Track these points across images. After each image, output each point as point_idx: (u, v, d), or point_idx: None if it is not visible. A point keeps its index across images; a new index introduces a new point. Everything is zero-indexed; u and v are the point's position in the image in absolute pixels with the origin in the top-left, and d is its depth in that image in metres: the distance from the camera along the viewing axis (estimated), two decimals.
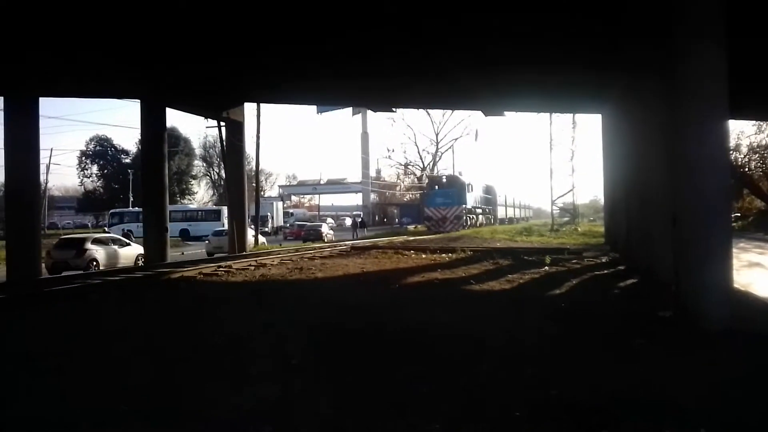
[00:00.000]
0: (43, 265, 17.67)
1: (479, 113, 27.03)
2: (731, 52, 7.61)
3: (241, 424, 4.20)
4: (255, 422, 4.22)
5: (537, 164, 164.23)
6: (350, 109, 60.74)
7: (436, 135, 62.68)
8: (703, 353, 6.35)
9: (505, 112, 26.11)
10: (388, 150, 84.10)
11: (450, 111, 56.70)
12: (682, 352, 6.45)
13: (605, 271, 14.13)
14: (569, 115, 35.25)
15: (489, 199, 51.77)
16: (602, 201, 27.67)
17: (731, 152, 35.70)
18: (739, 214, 36.12)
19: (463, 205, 41.66)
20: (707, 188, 7.52)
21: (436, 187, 43.65)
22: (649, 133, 11.70)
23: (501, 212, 56.74)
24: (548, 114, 34.81)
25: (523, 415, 4.51)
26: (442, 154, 62.42)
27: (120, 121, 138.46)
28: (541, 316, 8.43)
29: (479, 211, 46.96)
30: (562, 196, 36.92)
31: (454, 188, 42.44)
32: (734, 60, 7.73)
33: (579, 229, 32.98)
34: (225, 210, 23.67)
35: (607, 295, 10.60)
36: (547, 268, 14.45)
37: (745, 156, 40.89)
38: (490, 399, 4.89)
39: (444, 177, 45.82)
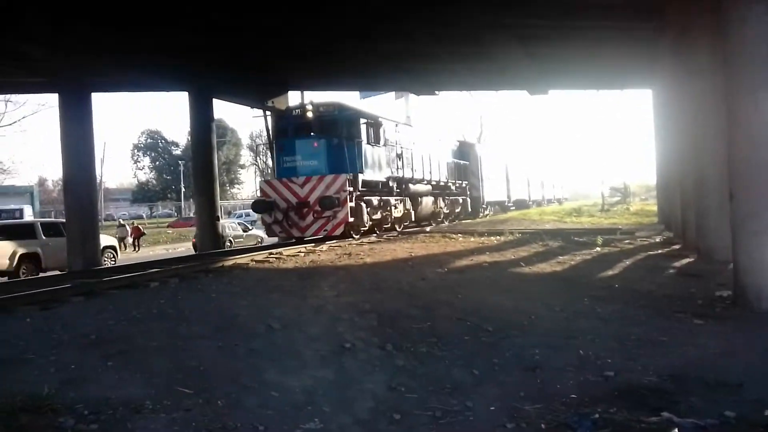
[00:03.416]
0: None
1: (524, 92, 26.64)
2: None
3: (299, 405, 4.31)
4: (312, 404, 4.33)
5: (584, 143, 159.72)
6: (393, 93, 60.66)
7: (480, 117, 61.79)
8: (764, 333, 6.18)
9: (550, 91, 25.66)
10: None
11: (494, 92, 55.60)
12: (741, 332, 6.29)
13: (659, 251, 13.81)
14: (618, 92, 34.32)
15: (462, 167, 28.13)
16: (654, 178, 26.94)
17: None
18: None
19: (349, 174, 16.84)
20: (765, 161, 7.25)
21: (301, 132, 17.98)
22: (704, 106, 11.32)
23: (496, 190, 33.72)
24: (595, 91, 33.94)
25: (579, 396, 4.49)
26: (485, 135, 61.58)
27: (169, 112, 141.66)
28: (593, 297, 8.33)
29: (424, 188, 22.28)
30: (613, 175, 35.81)
31: (331, 134, 17.36)
32: None
33: (630, 208, 32.16)
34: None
35: (662, 275, 10.37)
36: (599, 248, 14.20)
37: None
38: (544, 381, 4.89)
39: (309, 107, 18.00)
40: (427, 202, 22.88)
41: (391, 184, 19.34)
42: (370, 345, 5.86)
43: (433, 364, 5.33)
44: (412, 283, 9.67)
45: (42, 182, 69.66)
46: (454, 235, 18.54)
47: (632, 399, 4.44)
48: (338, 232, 16.74)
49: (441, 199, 24.84)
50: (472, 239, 17.34)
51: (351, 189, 16.62)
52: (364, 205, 17.33)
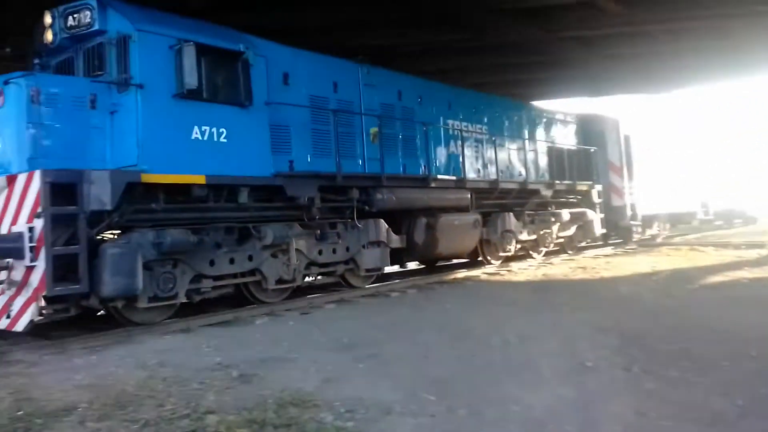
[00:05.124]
0: None
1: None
2: None
3: (541, 421, 4.27)
4: (554, 422, 4.26)
5: None
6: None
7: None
8: None
9: None
10: None
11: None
12: None
13: None
14: None
15: (584, 158, 17.25)
16: None
17: None
18: None
19: (72, 172, 7.19)
20: None
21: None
22: None
23: (669, 196, 20.78)
24: None
25: None
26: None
27: None
28: None
29: (448, 197, 12.38)
30: None
31: (78, 71, 8.37)
32: None
33: None
34: None
35: None
36: None
37: None
38: None
39: (48, 21, 8.41)
40: (462, 225, 12.70)
41: (296, 195, 9.48)
42: (614, 365, 5.57)
43: (687, 390, 4.89)
44: (657, 301, 8.99)
45: None
46: (702, 248, 16.87)
47: None
48: (22, 324, 6.99)
49: (511, 216, 14.42)
50: (727, 252, 15.57)
51: (75, 208, 7.16)
52: (138, 245, 7.64)
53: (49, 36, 8.42)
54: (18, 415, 4.60)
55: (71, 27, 8.21)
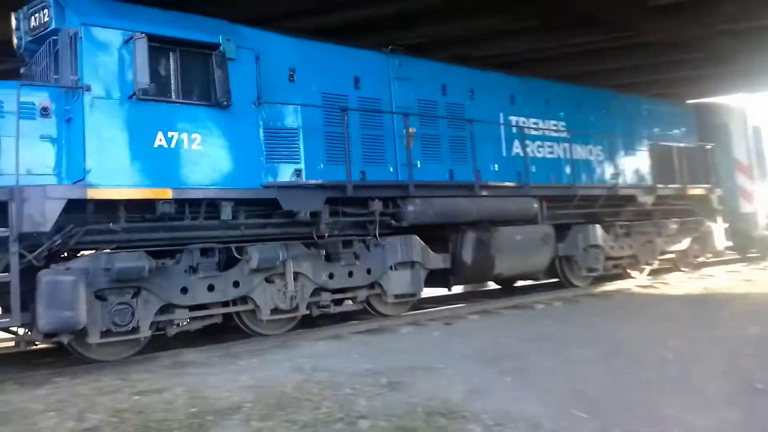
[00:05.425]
0: None
1: None
2: None
3: None
4: None
5: None
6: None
7: None
8: None
9: None
10: None
11: None
12: None
13: None
14: None
15: (695, 157, 14.30)
16: None
17: None
18: None
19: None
20: None
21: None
22: None
23: None
24: None
25: None
26: None
27: None
28: None
29: (510, 208, 10.45)
30: None
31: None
32: None
33: None
34: None
35: None
36: None
37: None
38: None
39: (13, 22, 7.75)
40: (526, 240, 10.67)
41: (294, 209, 8.09)
42: None
43: None
44: None
45: None
46: None
47: None
48: None
49: (597, 228, 12.23)
50: None
51: (3, 230, 6.25)
52: (85, 272, 6.70)
53: (14, 40, 7.78)
54: (192, 412, 5.05)
55: (34, 29, 7.44)
